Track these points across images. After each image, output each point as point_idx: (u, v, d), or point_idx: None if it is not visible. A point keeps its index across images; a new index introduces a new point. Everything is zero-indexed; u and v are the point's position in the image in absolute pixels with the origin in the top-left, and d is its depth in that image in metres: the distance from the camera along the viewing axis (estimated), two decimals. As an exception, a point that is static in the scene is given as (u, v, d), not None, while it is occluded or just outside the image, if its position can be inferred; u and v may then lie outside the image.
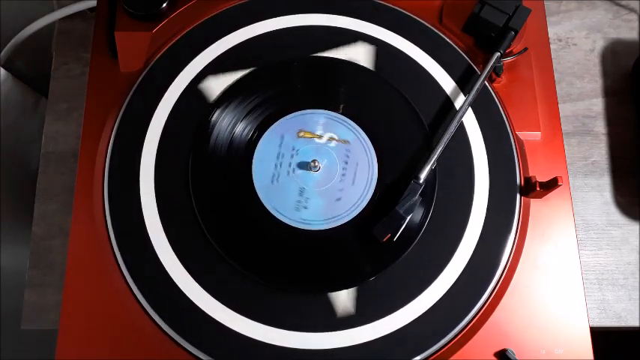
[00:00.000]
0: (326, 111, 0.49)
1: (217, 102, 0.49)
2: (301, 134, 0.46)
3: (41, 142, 0.56)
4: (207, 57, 0.50)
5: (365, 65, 0.50)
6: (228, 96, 0.49)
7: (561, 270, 0.46)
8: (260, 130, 0.48)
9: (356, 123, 0.49)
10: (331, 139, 0.47)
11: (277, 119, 0.49)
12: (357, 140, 0.48)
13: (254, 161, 0.47)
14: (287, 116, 0.49)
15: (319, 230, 0.45)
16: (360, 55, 0.51)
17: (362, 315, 0.43)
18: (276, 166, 0.47)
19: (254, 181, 0.47)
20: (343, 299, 0.44)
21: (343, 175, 0.47)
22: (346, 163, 0.48)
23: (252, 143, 0.48)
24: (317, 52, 0.51)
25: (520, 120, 0.50)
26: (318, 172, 0.47)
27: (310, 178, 0.47)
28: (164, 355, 0.43)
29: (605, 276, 0.54)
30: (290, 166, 0.47)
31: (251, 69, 0.50)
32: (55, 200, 0.54)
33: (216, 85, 0.49)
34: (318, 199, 0.46)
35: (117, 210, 0.46)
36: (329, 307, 0.44)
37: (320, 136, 0.47)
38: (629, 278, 0.54)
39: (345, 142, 0.46)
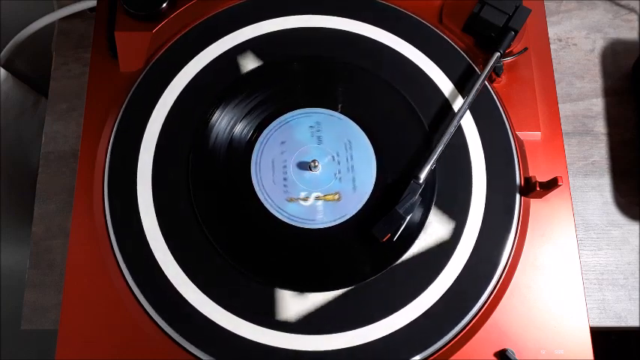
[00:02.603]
0: (325, 109, 0.49)
1: (217, 101, 0.49)
2: (288, 199, 0.46)
3: (41, 142, 0.56)
4: (207, 57, 0.50)
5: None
6: (228, 96, 0.49)
7: (561, 270, 0.46)
8: (260, 129, 0.48)
9: (356, 123, 0.49)
10: (318, 198, 0.46)
11: (276, 118, 0.49)
12: (359, 142, 0.48)
13: (253, 160, 0.47)
14: (288, 114, 0.49)
15: (318, 229, 0.45)
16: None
17: (362, 315, 0.43)
18: (276, 162, 0.47)
19: (253, 180, 0.47)
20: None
21: (343, 176, 0.47)
22: (346, 164, 0.48)
23: (251, 143, 0.48)
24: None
25: (520, 120, 0.50)
26: (318, 172, 0.47)
27: (310, 177, 0.47)
28: (164, 355, 0.43)
29: (605, 276, 0.54)
30: (290, 164, 0.47)
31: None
32: (55, 200, 0.54)
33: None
34: (315, 199, 0.46)
35: (117, 210, 0.46)
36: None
37: (305, 199, 0.46)
38: (629, 278, 0.54)
39: (336, 197, 0.46)
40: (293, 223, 0.46)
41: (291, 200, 0.46)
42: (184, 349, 0.43)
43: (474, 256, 0.45)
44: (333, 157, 0.48)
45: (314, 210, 0.46)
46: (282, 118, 0.49)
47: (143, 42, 0.51)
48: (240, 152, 0.48)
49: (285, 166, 0.47)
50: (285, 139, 0.48)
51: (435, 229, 0.46)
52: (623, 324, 0.52)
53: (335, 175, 0.47)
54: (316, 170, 0.47)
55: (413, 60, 0.51)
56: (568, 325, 0.44)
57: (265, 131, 0.48)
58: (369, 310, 0.44)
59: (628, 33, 0.62)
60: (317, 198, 0.46)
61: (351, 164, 0.48)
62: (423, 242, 0.45)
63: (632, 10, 0.63)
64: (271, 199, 0.46)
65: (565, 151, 0.49)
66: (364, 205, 0.46)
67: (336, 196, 0.46)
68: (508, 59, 0.51)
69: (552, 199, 0.47)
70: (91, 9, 0.59)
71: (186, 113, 0.48)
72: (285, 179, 0.47)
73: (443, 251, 0.45)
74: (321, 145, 0.48)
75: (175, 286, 0.44)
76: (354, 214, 0.46)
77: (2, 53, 0.61)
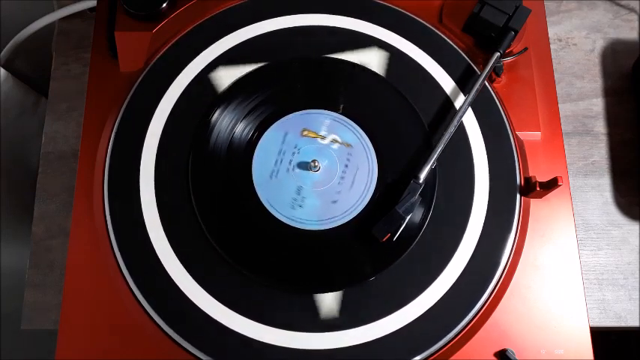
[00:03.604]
0: (331, 112, 0.49)
1: (217, 101, 0.49)
2: (305, 133, 0.46)
3: (41, 142, 0.56)
4: (207, 57, 0.50)
5: (377, 71, 0.50)
6: (228, 95, 0.49)
7: (561, 270, 0.46)
8: (260, 130, 0.48)
9: (356, 123, 0.49)
10: (334, 140, 0.47)
11: (277, 119, 0.49)
12: (360, 144, 0.48)
13: (255, 155, 0.47)
14: (293, 113, 0.49)
15: (312, 230, 0.45)
16: (370, 59, 0.51)
17: (362, 315, 0.43)
18: (276, 162, 0.47)
19: (253, 177, 0.47)
20: (342, 299, 0.44)
21: (342, 177, 0.47)
22: (346, 166, 0.48)
23: (252, 143, 0.48)
24: (316, 52, 0.51)
25: (520, 120, 0.50)
26: (318, 172, 0.47)
27: (309, 177, 0.47)
28: (164, 355, 0.43)
29: (605, 276, 0.54)
30: (290, 163, 0.47)
31: (251, 69, 0.50)
32: (55, 200, 0.54)
33: (225, 79, 0.49)
34: (314, 200, 0.46)
35: (117, 210, 0.46)
36: (329, 307, 0.44)
37: (323, 137, 0.47)
38: (629, 278, 0.54)
39: (348, 145, 0.46)
40: (293, 224, 0.46)
41: (306, 134, 0.46)
42: (184, 349, 0.43)
43: (474, 256, 0.45)
44: (334, 158, 0.48)
45: (309, 210, 0.46)
46: (288, 115, 0.49)
47: (143, 42, 0.51)
48: (241, 152, 0.48)
49: (285, 163, 0.47)
50: (289, 136, 0.48)
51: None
52: (623, 324, 0.52)
53: (334, 177, 0.47)
54: (316, 170, 0.47)
55: (413, 60, 0.51)
56: (568, 325, 0.44)
57: (270, 126, 0.48)
58: (369, 310, 0.43)
59: (628, 33, 0.62)
60: (334, 140, 0.46)
61: (352, 168, 0.47)
62: (423, 242, 0.45)
63: (632, 10, 0.63)
64: (272, 199, 0.46)
65: (565, 151, 0.49)
66: (360, 210, 0.46)
67: (349, 145, 0.46)
68: (508, 59, 0.51)
69: (552, 199, 0.47)
70: (91, 9, 0.59)
71: (187, 113, 0.48)
72: (284, 176, 0.47)
73: (443, 251, 0.45)
74: (323, 146, 0.48)
75: (175, 286, 0.44)
76: (349, 218, 0.46)
77: (2, 53, 0.61)
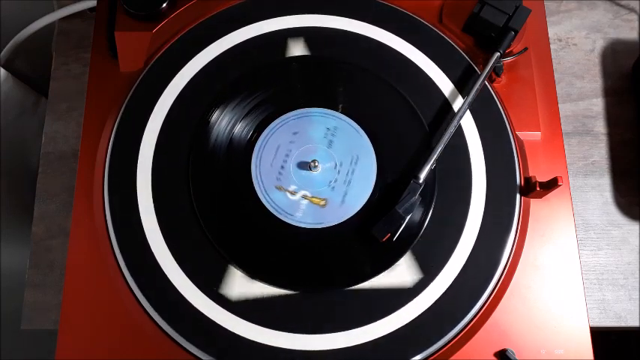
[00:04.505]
0: (327, 110, 0.49)
1: (217, 102, 0.49)
2: (278, 187, 0.46)
3: (41, 142, 0.56)
4: (207, 57, 0.50)
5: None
6: (228, 96, 0.49)
7: (561, 270, 0.46)
8: (259, 130, 0.48)
9: (356, 122, 0.49)
10: (305, 197, 0.46)
11: (277, 118, 0.49)
12: (358, 139, 0.48)
13: (253, 161, 0.47)
14: (285, 124, 0.49)
15: (312, 230, 0.45)
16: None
17: (362, 315, 0.43)
18: (276, 165, 0.47)
19: (253, 181, 0.47)
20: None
21: (343, 175, 0.47)
22: (346, 163, 0.48)
23: (251, 143, 0.48)
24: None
25: (520, 120, 0.50)
26: (318, 172, 0.47)
27: (310, 178, 0.47)
28: (164, 355, 0.43)
29: (605, 276, 0.54)
30: (290, 165, 0.47)
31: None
32: (55, 200, 0.54)
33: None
34: (317, 199, 0.46)
35: (117, 210, 0.46)
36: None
37: (293, 193, 0.46)
38: (629, 278, 0.54)
39: (322, 202, 0.46)
40: (293, 223, 0.46)
41: (279, 189, 0.46)
42: (184, 349, 0.43)
43: (474, 255, 0.45)
44: (333, 157, 0.48)
45: (296, 206, 0.46)
46: (302, 110, 0.49)
47: (143, 42, 0.51)
48: (241, 152, 0.48)
49: (287, 156, 0.47)
50: (298, 130, 0.48)
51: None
52: (623, 324, 0.52)
53: (330, 183, 0.47)
54: (316, 170, 0.47)
55: (413, 60, 0.51)
56: (568, 325, 0.44)
57: (263, 133, 0.48)
58: (369, 309, 0.43)
59: (628, 33, 0.62)
60: (304, 197, 0.46)
61: (351, 165, 0.47)
62: (423, 242, 0.45)
63: (632, 10, 0.63)
64: (272, 199, 0.46)
65: (565, 151, 0.49)
66: (363, 205, 0.46)
67: (322, 202, 0.46)
68: (508, 59, 0.51)
69: (552, 199, 0.47)
70: (91, 9, 0.59)
71: (186, 113, 0.48)
72: (285, 178, 0.47)
73: (443, 251, 0.45)
74: (329, 150, 0.48)
75: (175, 285, 0.44)
76: (353, 214, 0.46)
77: (2, 53, 0.61)
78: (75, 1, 0.59)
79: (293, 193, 0.45)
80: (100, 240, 0.45)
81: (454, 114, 0.47)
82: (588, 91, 0.60)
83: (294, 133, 0.48)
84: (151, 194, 0.46)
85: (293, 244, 0.45)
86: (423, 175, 0.45)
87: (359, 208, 0.46)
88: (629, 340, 0.81)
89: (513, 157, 0.48)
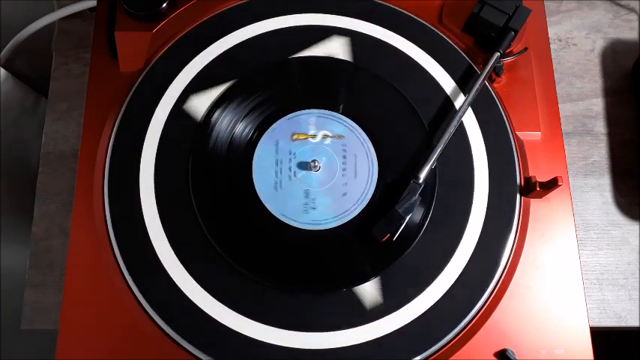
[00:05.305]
0: (317, 110, 0.49)
1: (217, 102, 0.49)
2: (295, 137, 0.46)
3: (41, 142, 0.56)
4: (207, 57, 0.50)
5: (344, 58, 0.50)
6: (228, 96, 0.49)
7: (561, 270, 0.46)
8: (260, 130, 0.48)
9: (356, 123, 0.49)
10: (325, 136, 0.47)
11: (277, 119, 0.49)
12: (351, 133, 0.48)
13: (254, 170, 0.47)
14: (277, 122, 0.48)
15: (317, 230, 0.45)
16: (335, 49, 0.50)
17: (362, 315, 0.43)
18: (276, 173, 0.47)
19: (257, 188, 0.47)
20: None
21: (344, 169, 0.47)
22: (344, 157, 0.48)
23: (252, 143, 0.48)
24: (317, 52, 0.51)
25: (520, 120, 0.50)
26: (319, 171, 0.47)
27: (312, 178, 0.47)
28: (164, 355, 0.43)
29: (605, 276, 0.54)
30: (290, 170, 0.47)
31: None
32: (55, 200, 0.54)
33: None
34: (324, 198, 0.46)
35: (117, 210, 0.46)
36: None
37: (314, 136, 0.47)
38: (629, 278, 0.54)
39: (340, 136, 0.46)
40: (293, 224, 0.46)
41: (296, 137, 0.46)
42: (184, 349, 0.43)
43: (474, 256, 0.45)
44: (330, 153, 0.48)
45: (323, 209, 0.46)
46: (273, 124, 0.48)
47: (143, 42, 0.51)
48: (241, 152, 0.48)
49: (286, 171, 0.47)
50: (281, 144, 0.48)
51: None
52: (623, 324, 0.52)
53: (337, 170, 0.47)
54: (317, 170, 0.47)
55: (413, 60, 0.51)
56: (568, 325, 0.44)
57: (260, 139, 0.48)
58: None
59: (628, 33, 0.62)
60: (325, 136, 0.46)
61: (350, 157, 0.47)
62: (423, 242, 0.45)
63: (632, 10, 0.63)
64: (284, 210, 0.46)
65: (565, 151, 0.49)
66: (371, 194, 0.46)
67: (341, 137, 0.46)
68: (508, 59, 0.51)
69: (552, 199, 0.47)
70: (91, 9, 0.59)
71: (187, 113, 0.48)
72: (288, 184, 0.47)
73: (443, 251, 0.45)
74: (317, 145, 0.48)
75: (175, 286, 0.44)
76: (363, 206, 0.46)
77: (2, 53, 0.61)
78: (75, 1, 0.59)
79: (313, 136, 0.45)
80: (100, 240, 0.45)
81: (454, 114, 0.47)
82: (588, 91, 0.60)
83: (295, 133, 0.48)
84: (151, 194, 0.46)
85: (293, 243, 0.45)
86: (422, 175, 0.45)
87: (377, 174, 0.46)
88: (629, 340, 0.81)
89: (513, 157, 0.48)
